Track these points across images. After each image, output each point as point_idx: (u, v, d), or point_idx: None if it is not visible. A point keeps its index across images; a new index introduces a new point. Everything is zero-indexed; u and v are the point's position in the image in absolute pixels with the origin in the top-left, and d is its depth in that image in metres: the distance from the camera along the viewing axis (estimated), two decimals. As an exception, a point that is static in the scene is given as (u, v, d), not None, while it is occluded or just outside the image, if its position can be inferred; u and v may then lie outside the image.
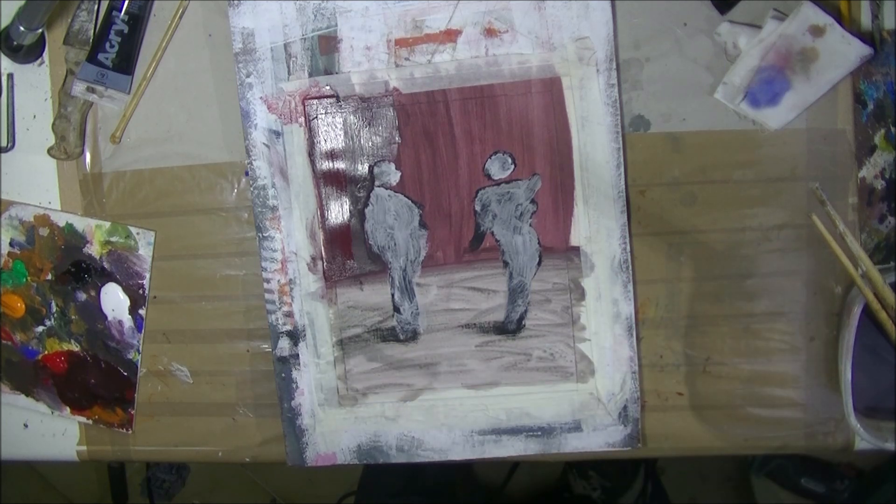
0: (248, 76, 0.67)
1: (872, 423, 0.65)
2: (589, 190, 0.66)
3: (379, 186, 0.68)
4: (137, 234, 0.71)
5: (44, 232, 0.72)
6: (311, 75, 0.66)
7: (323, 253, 0.69)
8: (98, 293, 0.72)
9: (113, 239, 0.71)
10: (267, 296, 0.69)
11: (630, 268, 0.66)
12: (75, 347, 0.74)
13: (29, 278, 0.73)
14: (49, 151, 0.71)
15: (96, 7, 0.68)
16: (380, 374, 0.70)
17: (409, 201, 0.68)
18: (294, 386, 0.70)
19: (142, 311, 0.72)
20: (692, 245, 0.68)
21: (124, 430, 0.74)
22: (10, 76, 0.71)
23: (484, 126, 0.66)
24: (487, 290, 0.68)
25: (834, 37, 0.61)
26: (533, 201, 0.67)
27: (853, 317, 0.62)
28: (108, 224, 0.71)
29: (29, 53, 0.70)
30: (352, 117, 0.67)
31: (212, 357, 0.73)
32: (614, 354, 0.68)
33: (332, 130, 0.67)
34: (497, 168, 0.67)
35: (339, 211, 0.68)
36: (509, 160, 0.67)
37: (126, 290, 0.72)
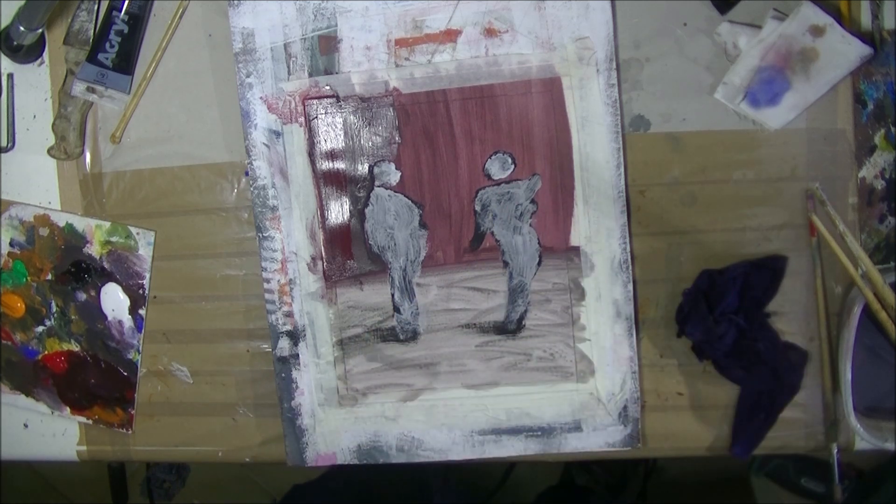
0: (248, 76, 0.67)
1: (872, 423, 0.65)
2: (589, 190, 0.66)
3: (379, 186, 0.68)
4: (137, 234, 0.71)
5: (44, 232, 0.72)
6: (311, 75, 0.66)
7: (323, 253, 0.69)
8: (98, 293, 0.72)
9: (113, 239, 0.71)
10: (267, 296, 0.69)
11: (630, 268, 0.66)
12: (75, 347, 0.74)
13: (29, 278, 0.73)
14: (49, 151, 0.71)
15: (96, 7, 0.68)
16: (380, 374, 0.70)
17: (409, 201, 0.68)
18: (294, 386, 0.70)
19: (142, 311, 0.72)
20: (692, 245, 0.68)
21: (124, 430, 0.74)
22: (10, 76, 0.71)
23: (484, 126, 0.66)
24: (487, 290, 0.68)
25: (834, 37, 0.61)
26: (533, 201, 0.67)
27: (853, 317, 0.62)
28: (108, 224, 0.71)
29: (29, 53, 0.70)
30: (352, 117, 0.67)
31: (212, 357, 0.73)
32: (614, 354, 0.68)
33: (332, 130, 0.67)
34: (497, 168, 0.67)
35: (339, 211, 0.68)
36: (509, 160, 0.67)
37: (126, 290, 0.72)
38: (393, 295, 0.69)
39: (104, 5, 0.68)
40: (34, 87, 0.72)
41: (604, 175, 0.66)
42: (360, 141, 0.67)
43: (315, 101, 0.67)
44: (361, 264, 0.69)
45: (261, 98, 0.67)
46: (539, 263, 0.68)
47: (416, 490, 0.98)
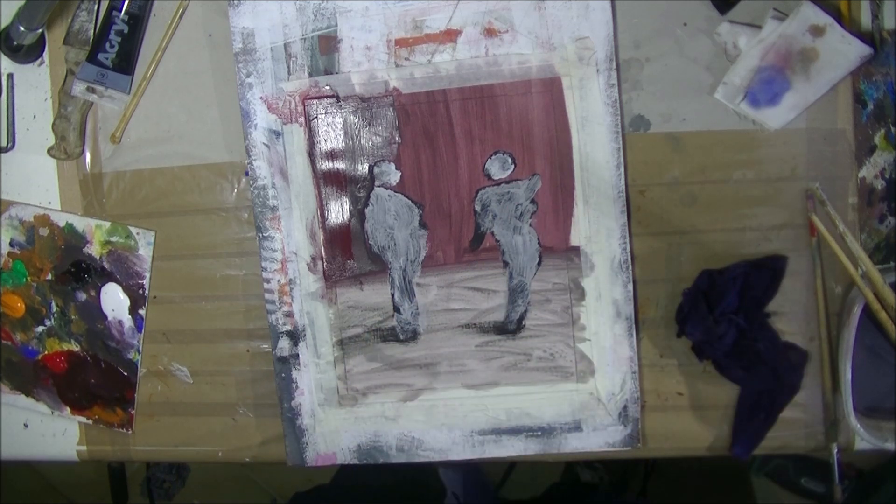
0: (248, 76, 0.67)
1: (872, 423, 0.65)
2: (589, 190, 0.66)
3: (379, 186, 0.68)
4: (137, 234, 0.71)
5: (44, 232, 0.72)
6: (311, 75, 0.66)
7: (323, 253, 0.69)
8: (98, 293, 0.72)
9: (113, 239, 0.71)
10: (267, 296, 0.69)
11: (630, 268, 0.66)
12: (75, 347, 0.74)
13: (29, 278, 0.73)
14: (49, 151, 0.71)
15: (96, 7, 0.68)
16: (380, 374, 0.70)
17: (409, 201, 0.68)
18: (294, 386, 0.70)
19: (142, 311, 0.72)
20: (692, 245, 0.68)
21: (124, 430, 0.74)
22: (10, 76, 0.71)
23: (484, 126, 0.66)
24: (487, 290, 0.68)
25: (834, 37, 0.61)
26: (533, 201, 0.67)
27: (853, 317, 0.62)
28: (108, 224, 0.71)
29: (29, 53, 0.70)
30: (352, 117, 0.67)
31: (212, 357, 0.73)
32: (614, 354, 0.68)
33: (332, 130, 0.67)
34: (497, 168, 0.67)
35: (339, 211, 0.68)
36: (509, 160, 0.67)
37: (126, 290, 0.72)
38: (393, 295, 0.69)
39: (104, 5, 0.68)
40: (34, 87, 0.72)
41: (604, 175, 0.66)
42: (360, 141, 0.67)
43: (315, 101, 0.67)
44: (361, 264, 0.69)
45: (261, 98, 0.67)
46: (539, 263, 0.68)
47: (421, 495, 0.98)
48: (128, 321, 0.73)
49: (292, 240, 0.68)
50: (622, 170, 0.65)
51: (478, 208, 0.67)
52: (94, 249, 0.72)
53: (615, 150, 0.65)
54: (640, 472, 1.29)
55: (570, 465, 1.32)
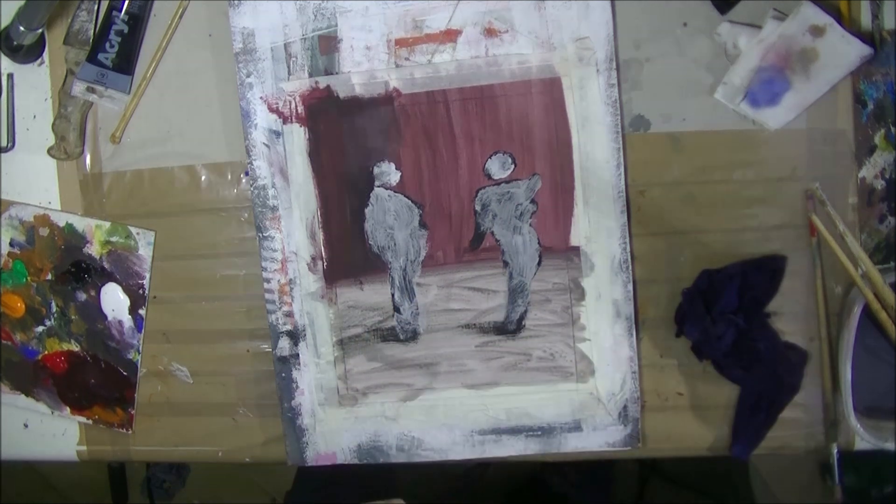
0: (248, 76, 0.67)
1: (872, 423, 0.65)
2: (589, 190, 0.66)
3: (379, 186, 0.68)
4: (137, 234, 0.71)
5: (44, 232, 0.72)
6: (311, 75, 0.66)
7: (323, 253, 0.69)
8: (98, 293, 0.72)
9: (113, 239, 0.71)
10: (267, 296, 0.69)
11: (630, 268, 0.66)
12: (75, 347, 0.74)
13: (29, 278, 0.73)
14: (49, 151, 0.71)
15: (96, 7, 0.68)
16: (380, 374, 0.70)
17: (409, 201, 0.68)
18: (294, 386, 0.70)
19: (142, 311, 0.72)
20: (692, 245, 0.68)
21: (124, 430, 0.74)
22: (10, 76, 0.71)
23: (484, 126, 0.66)
24: (487, 290, 0.68)
25: (834, 37, 0.61)
26: (533, 201, 0.67)
27: (853, 317, 0.62)
28: (108, 224, 0.71)
29: (29, 53, 0.70)
30: (352, 117, 0.67)
31: (212, 357, 0.73)
32: (614, 354, 0.68)
33: (332, 130, 0.67)
34: (497, 168, 0.67)
35: (339, 211, 0.68)
36: (509, 160, 0.67)
37: (126, 290, 0.72)
38: (393, 295, 0.69)
39: (104, 5, 0.68)
40: (34, 87, 0.72)
41: (604, 175, 0.66)
42: (360, 141, 0.67)
43: (315, 101, 0.67)
44: (361, 264, 0.69)
45: (261, 98, 0.67)
46: (539, 263, 0.68)
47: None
48: (128, 321, 0.73)
49: (292, 240, 0.68)
50: (622, 170, 0.65)
51: (478, 208, 0.67)
52: (94, 249, 0.72)
53: (615, 150, 0.65)
54: (612, 470, 1.27)
55: (540, 470, 1.30)
